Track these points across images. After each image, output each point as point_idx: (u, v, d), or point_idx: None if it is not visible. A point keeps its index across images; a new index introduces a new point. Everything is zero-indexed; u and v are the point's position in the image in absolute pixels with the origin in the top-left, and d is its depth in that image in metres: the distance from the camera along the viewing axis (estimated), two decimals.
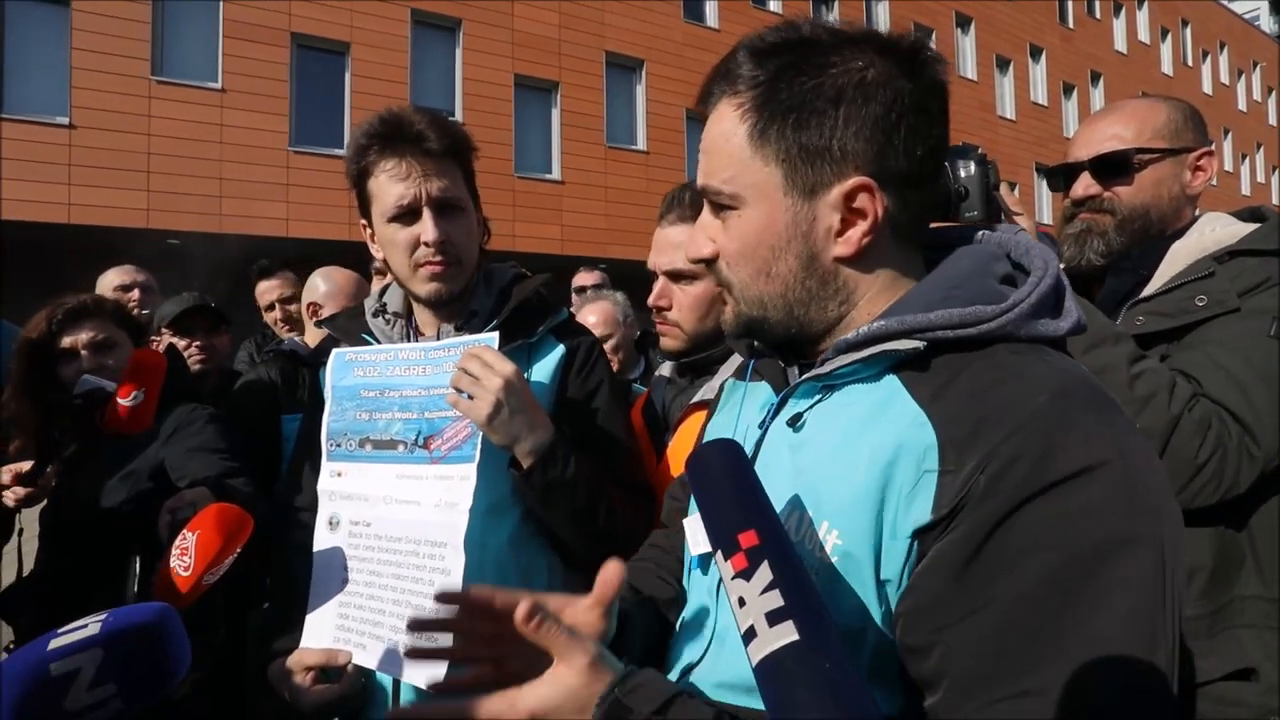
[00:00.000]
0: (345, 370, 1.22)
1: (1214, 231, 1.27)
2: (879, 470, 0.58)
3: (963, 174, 0.96)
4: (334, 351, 1.24)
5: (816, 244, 0.67)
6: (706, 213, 0.73)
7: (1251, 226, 1.26)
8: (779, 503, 0.65)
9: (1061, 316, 0.66)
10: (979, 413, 0.56)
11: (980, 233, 0.75)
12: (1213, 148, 1.34)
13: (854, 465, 0.60)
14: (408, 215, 1.17)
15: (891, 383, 0.63)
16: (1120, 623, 0.51)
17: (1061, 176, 1.41)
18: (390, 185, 1.16)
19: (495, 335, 1.11)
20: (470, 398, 1.04)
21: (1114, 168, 1.32)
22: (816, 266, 0.67)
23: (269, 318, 2.85)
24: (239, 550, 1.14)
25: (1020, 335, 0.62)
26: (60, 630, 0.61)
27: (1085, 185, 1.36)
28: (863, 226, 0.65)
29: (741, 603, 0.52)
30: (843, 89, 0.63)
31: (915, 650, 0.56)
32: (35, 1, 9.99)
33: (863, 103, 0.63)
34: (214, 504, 1.15)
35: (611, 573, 0.68)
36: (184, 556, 1.08)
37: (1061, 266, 0.73)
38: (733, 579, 0.53)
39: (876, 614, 0.59)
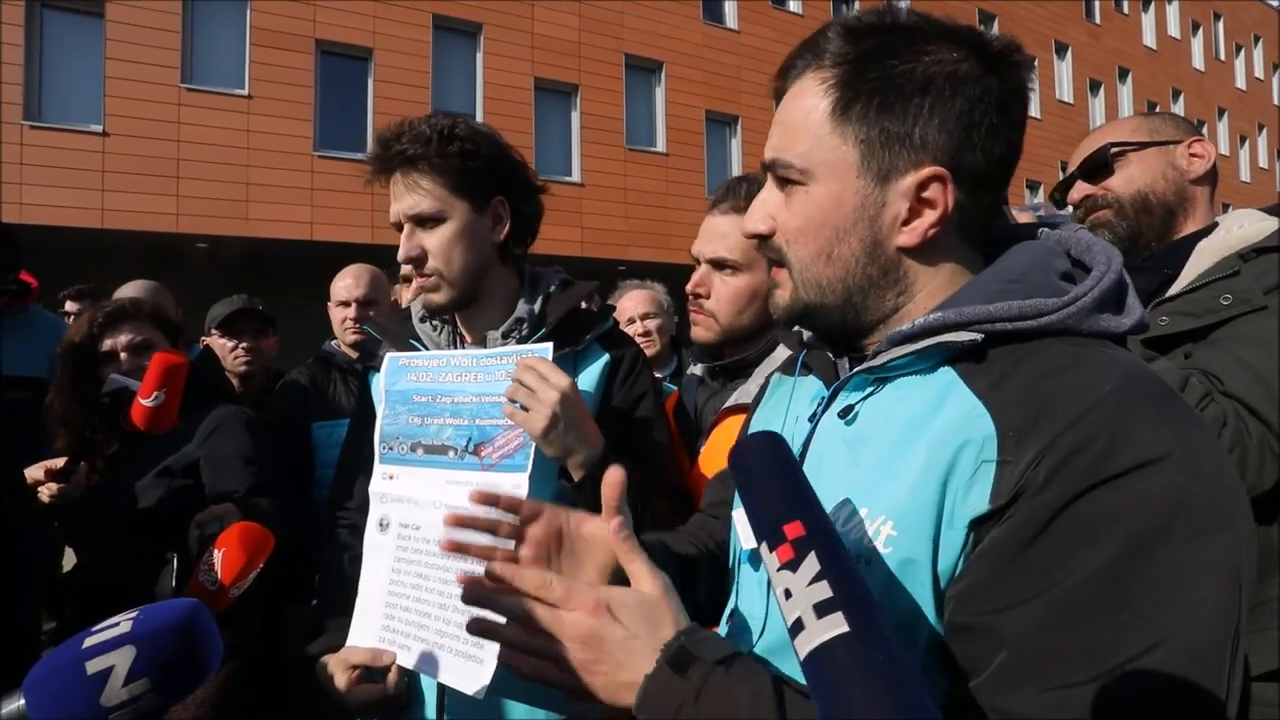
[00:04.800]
0: (399, 374, 1.23)
1: (1241, 228, 1.26)
2: (937, 462, 0.58)
3: None
4: (388, 356, 1.26)
5: (882, 230, 0.66)
6: (768, 188, 0.71)
7: None
8: (833, 497, 0.64)
9: (1124, 313, 0.64)
10: (1039, 402, 0.55)
11: (1040, 229, 0.73)
12: (1203, 137, 1.40)
13: (911, 458, 0.59)
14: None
15: (947, 375, 0.62)
16: (1180, 616, 0.50)
17: (1060, 194, 1.51)
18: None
19: (549, 346, 1.12)
20: (525, 409, 1.04)
21: (1097, 167, 1.43)
22: (879, 253, 0.66)
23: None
24: (262, 565, 1.24)
25: (1082, 330, 0.61)
26: (93, 629, 0.63)
27: (1078, 190, 1.46)
28: (930, 217, 0.64)
29: (788, 594, 0.50)
30: (932, 78, 0.62)
31: (964, 629, 0.55)
32: (70, 13, 10.27)
33: (950, 95, 0.62)
34: (238, 524, 1.25)
35: (613, 475, 0.69)
36: (211, 571, 1.19)
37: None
38: (778, 570, 0.52)
39: (931, 606, 0.58)
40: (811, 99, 0.66)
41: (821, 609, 0.48)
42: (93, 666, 0.59)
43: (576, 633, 0.60)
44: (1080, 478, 0.52)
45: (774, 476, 0.57)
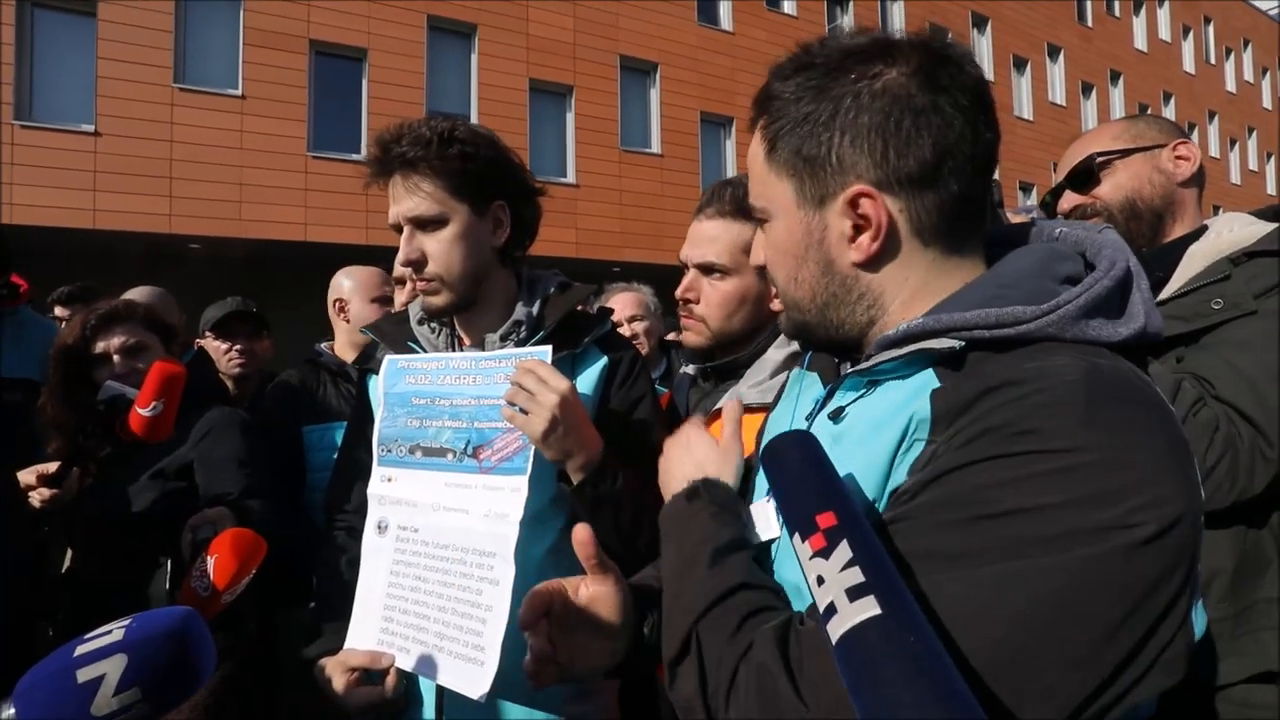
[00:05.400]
0: (398, 377, 1.23)
1: (1231, 232, 1.27)
2: (886, 446, 0.62)
3: None
4: (387, 358, 1.25)
5: (830, 251, 0.70)
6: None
7: (1271, 226, 1.24)
8: None
9: (1122, 320, 0.63)
10: (980, 390, 0.58)
11: (1058, 230, 0.73)
12: (1187, 139, 1.40)
13: (871, 448, 0.64)
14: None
15: (926, 376, 0.64)
16: (1002, 599, 0.50)
17: (1051, 201, 1.51)
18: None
19: (548, 349, 1.11)
20: (524, 412, 1.04)
21: (1084, 177, 1.44)
22: (834, 272, 0.71)
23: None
24: (254, 571, 1.25)
25: (1066, 337, 0.60)
26: (85, 636, 0.62)
27: (1068, 200, 1.46)
28: (868, 233, 0.67)
29: (820, 581, 0.52)
30: (839, 99, 0.67)
31: None
32: (62, 12, 10.20)
33: (856, 113, 0.66)
34: (230, 530, 1.26)
35: (580, 536, 0.79)
36: (204, 578, 1.20)
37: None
38: (810, 559, 0.54)
39: None
40: (755, 146, 0.75)
41: (854, 593, 0.49)
42: (83, 675, 0.58)
43: (683, 435, 0.90)
44: (980, 450, 0.54)
45: (806, 470, 0.60)
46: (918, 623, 0.47)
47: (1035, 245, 0.71)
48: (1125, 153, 1.40)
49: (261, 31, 11.24)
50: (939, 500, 0.55)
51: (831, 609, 0.50)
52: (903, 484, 0.59)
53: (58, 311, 3.29)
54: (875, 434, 0.64)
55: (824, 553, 0.52)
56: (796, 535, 0.56)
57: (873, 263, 0.68)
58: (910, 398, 0.63)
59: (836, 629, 0.49)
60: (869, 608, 0.48)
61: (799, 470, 0.61)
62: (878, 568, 0.50)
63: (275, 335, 2.82)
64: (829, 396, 0.74)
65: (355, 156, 11.55)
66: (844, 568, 0.51)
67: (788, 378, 0.96)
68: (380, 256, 2.10)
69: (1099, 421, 0.53)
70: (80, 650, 0.60)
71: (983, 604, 0.50)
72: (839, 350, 0.77)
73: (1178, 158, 1.37)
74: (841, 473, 0.65)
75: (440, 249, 1.17)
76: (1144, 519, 0.50)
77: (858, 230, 0.67)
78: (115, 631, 0.62)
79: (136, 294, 2.76)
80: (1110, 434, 0.53)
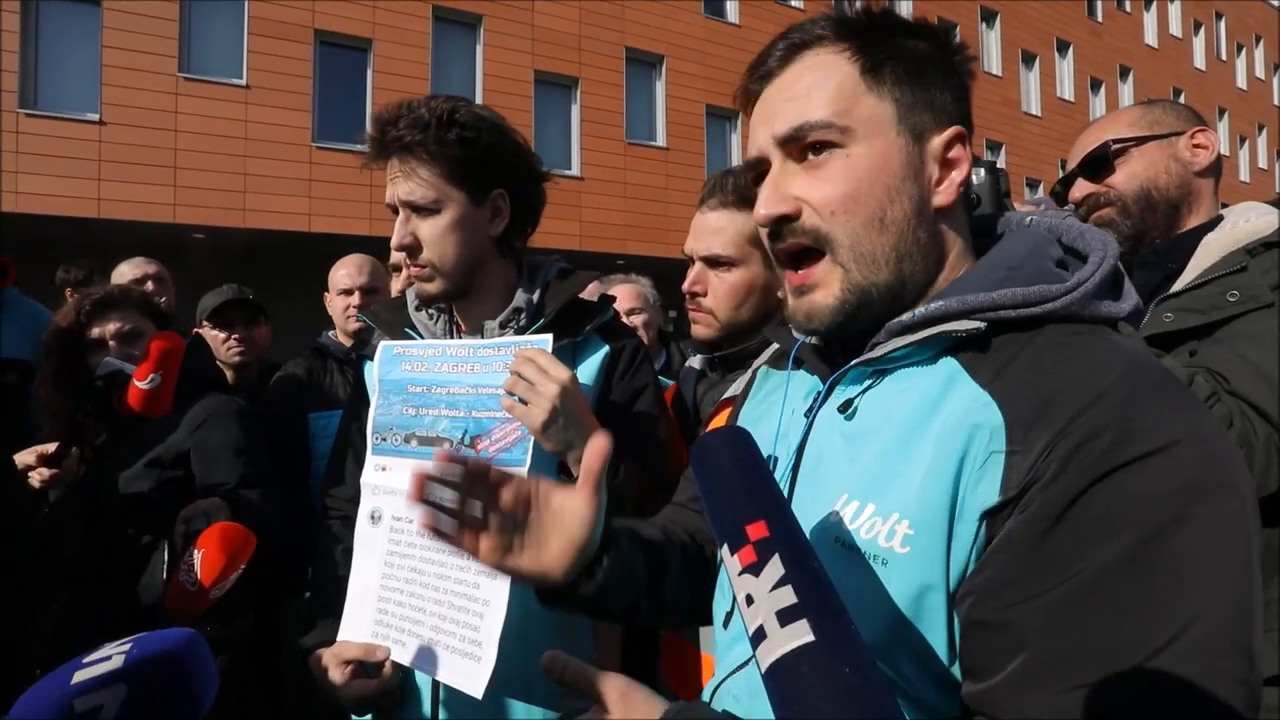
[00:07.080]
0: (393, 364, 1.20)
1: (1248, 222, 1.23)
2: (947, 455, 0.56)
3: (975, 181, 0.95)
4: (382, 344, 1.23)
5: (926, 188, 0.66)
6: (778, 169, 0.67)
7: None
8: (835, 493, 0.63)
9: (1122, 298, 0.65)
10: (1045, 390, 0.55)
11: (1029, 218, 0.73)
12: (1206, 127, 1.36)
13: (920, 453, 0.58)
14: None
15: (949, 365, 0.61)
16: (1202, 598, 0.49)
17: (1062, 189, 1.47)
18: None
19: (549, 338, 1.08)
20: (524, 402, 1.01)
21: (1098, 164, 1.39)
22: (925, 214, 0.66)
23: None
24: (244, 566, 1.24)
25: (1084, 315, 0.61)
26: (84, 660, 0.61)
27: (1080, 188, 1.42)
28: (960, 173, 0.66)
29: (749, 600, 0.47)
30: (931, 53, 0.68)
31: (980, 626, 0.54)
32: (68, 1, 10.18)
33: (950, 68, 0.68)
34: (218, 525, 1.24)
35: (598, 445, 0.67)
36: (190, 573, 1.19)
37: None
38: (740, 575, 0.48)
39: (945, 605, 0.56)
40: (831, 68, 0.66)
41: (784, 616, 0.44)
42: (80, 705, 0.57)
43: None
44: (1092, 467, 0.51)
45: (737, 475, 0.54)
46: (854, 651, 0.43)
47: (1023, 231, 0.71)
48: (1141, 140, 1.35)
49: (266, 21, 11.21)
50: (1068, 543, 0.50)
51: (761, 633, 0.45)
52: (994, 505, 0.53)
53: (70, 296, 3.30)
54: (913, 436, 0.59)
55: (754, 569, 0.47)
56: (726, 547, 0.50)
57: (949, 211, 0.67)
58: (941, 392, 0.59)
59: (766, 656, 0.44)
60: (801, 634, 0.43)
61: (729, 472, 0.54)
62: (811, 587, 0.45)
63: (279, 325, 2.81)
64: (830, 389, 0.69)
65: (360, 147, 11.46)
66: (775, 586, 0.46)
67: (754, 373, 0.91)
68: (384, 247, 2.09)
69: (1171, 407, 0.54)
70: (78, 677, 0.59)
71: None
72: (866, 331, 0.70)
73: (1195, 146, 1.33)
74: (867, 469, 0.61)
75: (434, 236, 1.14)
76: (1240, 481, 0.53)
77: (940, 176, 0.66)
78: (115, 658, 0.60)
79: (127, 266, 2.81)
80: (1182, 413, 0.54)
